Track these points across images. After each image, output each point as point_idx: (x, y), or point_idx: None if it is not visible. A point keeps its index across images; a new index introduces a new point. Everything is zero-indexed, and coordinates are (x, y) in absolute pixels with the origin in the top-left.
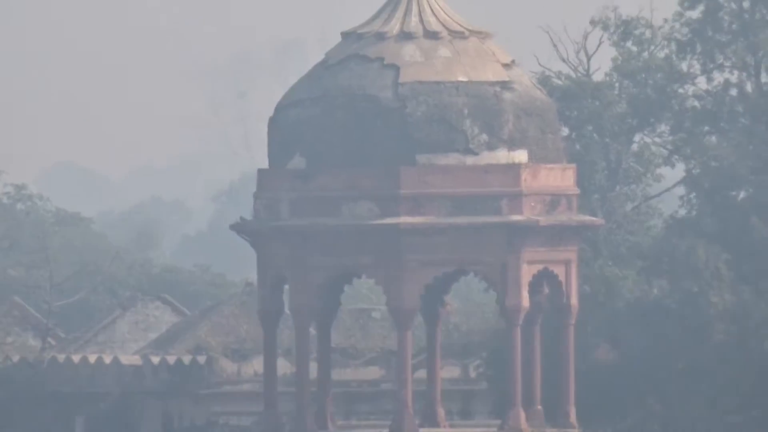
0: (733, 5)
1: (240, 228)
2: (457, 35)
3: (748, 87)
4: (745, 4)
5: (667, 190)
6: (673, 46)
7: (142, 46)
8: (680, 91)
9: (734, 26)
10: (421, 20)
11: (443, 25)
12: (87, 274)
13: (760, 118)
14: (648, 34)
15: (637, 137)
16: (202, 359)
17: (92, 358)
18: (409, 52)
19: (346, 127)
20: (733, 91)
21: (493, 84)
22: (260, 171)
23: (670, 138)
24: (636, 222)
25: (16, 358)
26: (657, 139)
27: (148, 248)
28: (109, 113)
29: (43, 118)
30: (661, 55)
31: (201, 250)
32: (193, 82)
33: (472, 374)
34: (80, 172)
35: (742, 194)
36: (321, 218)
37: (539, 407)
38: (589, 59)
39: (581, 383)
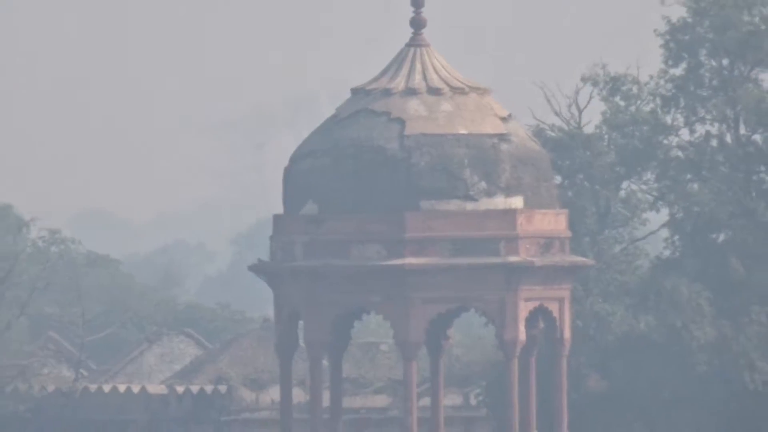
0: (713, 63)
1: (258, 269)
2: (457, 91)
3: (728, 138)
4: (725, 62)
5: (653, 233)
6: (658, 101)
7: (167, 100)
8: (665, 142)
9: (714, 82)
10: (424, 77)
11: (444, 82)
12: (116, 311)
13: (738, 166)
14: (635, 89)
15: (624, 184)
16: (222, 389)
17: (121, 388)
18: (414, 106)
19: (355, 176)
20: (714, 142)
21: (491, 136)
22: (275, 216)
23: (656, 185)
24: (624, 262)
25: (51, 388)
26: (643, 186)
27: (172, 287)
28: (136, 162)
29: (72, 165)
30: (647, 108)
31: (222, 289)
32: (215, 134)
33: (473, 402)
34: (109, 216)
35: (721, 237)
36: (332, 259)
37: None
38: (580, 113)
39: (574, 411)
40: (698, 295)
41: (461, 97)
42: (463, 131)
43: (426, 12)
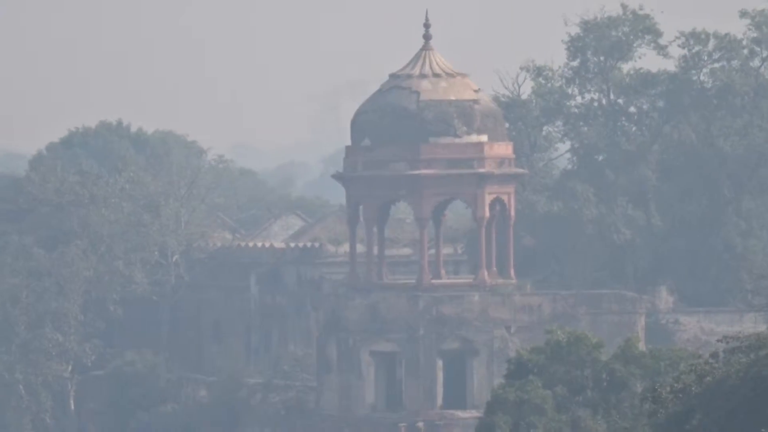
0: (595, 59)
1: (337, 176)
2: (449, 75)
3: (603, 101)
4: (602, 58)
5: (561, 155)
6: (564, 80)
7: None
8: (567, 103)
9: (595, 69)
10: (431, 67)
11: (442, 70)
12: (258, 202)
13: (609, 117)
14: (550, 73)
15: (545, 129)
16: (316, 244)
17: (259, 244)
18: (424, 84)
19: (390, 123)
20: (596, 104)
21: (469, 101)
22: (347, 147)
23: (562, 128)
24: (544, 172)
25: (219, 244)
26: (555, 129)
27: (288, 186)
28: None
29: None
30: (557, 84)
31: (317, 188)
32: (297, 107)
33: (459, 251)
34: (249, 147)
35: (600, 157)
36: (378, 171)
37: (494, 269)
38: (519, 87)
39: (516, 255)
40: (586, 190)
41: (452, 79)
42: (453, 98)
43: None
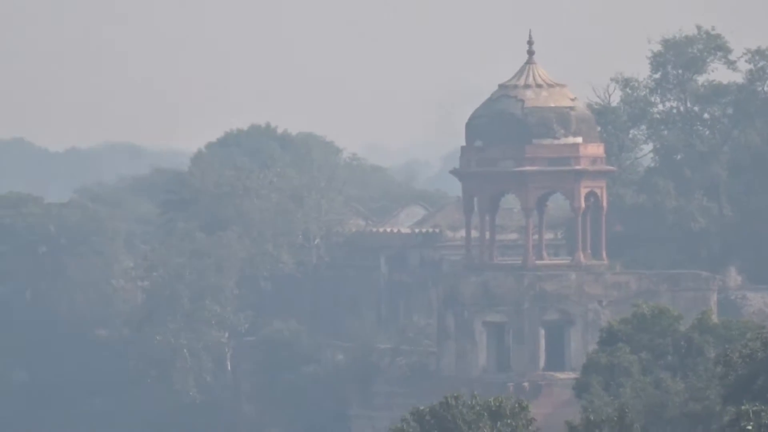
0: (675, 72)
1: (455, 172)
2: (550, 85)
3: (681, 109)
4: (680, 71)
5: (645, 155)
6: (648, 90)
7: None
8: (651, 110)
9: (675, 81)
10: (534, 78)
11: (543, 81)
12: (386, 193)
13: (686, 123)
14: (636, 84)
15: (630, 132)
16: (437, 229)
17: (388, 229)
18: (528, 93)
19: (499, 127)
20: (675, 111)
21: (566, 107)
22: (462, 147)
23: (646, 132)
24: (631, 169)
25: (353, 229)
26: (639, 132)
27: (411, 180)
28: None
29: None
30: (642, 93)
31: (436, 182)
32: (419, 109)
33: (559, 236)
34: (378, 147)
35: (679, 156)
36: (489, 167)
37: (588, 251)
38: (609, 96)
39: (608, 240)
40: (667, 185)
41: (551, 88)
42: (552, 105)
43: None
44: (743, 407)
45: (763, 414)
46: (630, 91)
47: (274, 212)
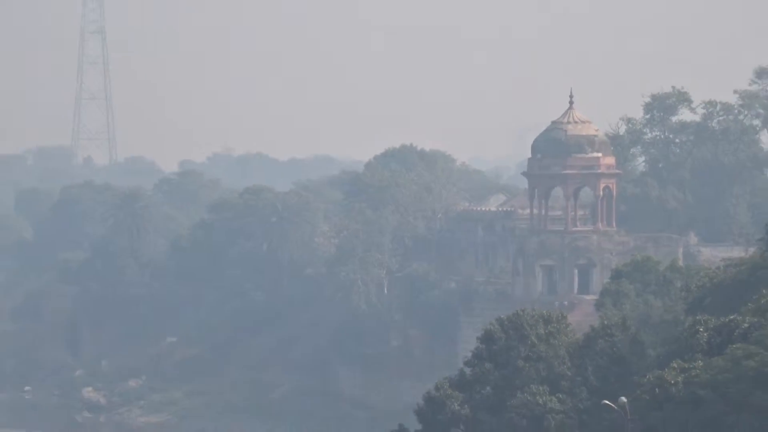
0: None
1: (525, 174)
2: (582, 122)
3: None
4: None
5: (639, 164)
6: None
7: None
8: (645, 137)
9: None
10: (572, 117)
11: (578, 119)
12: (483, 187)
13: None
14: (635, 122)
15: (631, 150)
16: (512, 209)
17: (483, 209)
18: (569, 126)
19: (551, 148)
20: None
21: (592, 136)
22: (529, 158)
23: (640, 150)
24: (631, 173)
25: (460, 208)
26: (636, 150)
27: (498, 178)
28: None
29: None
30: (638, 127)
31: (511, 179)
32: (506, 134)
33: (587, 213)
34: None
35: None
36: (545, 171)
37: (605, 222)
38: (618, 129)
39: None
40: (652, 181)
41: (583, 124)
42: (584, 134)
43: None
44: (697, 317)
45: (709, 322)
46: (631, 126)
47: (413, 198)
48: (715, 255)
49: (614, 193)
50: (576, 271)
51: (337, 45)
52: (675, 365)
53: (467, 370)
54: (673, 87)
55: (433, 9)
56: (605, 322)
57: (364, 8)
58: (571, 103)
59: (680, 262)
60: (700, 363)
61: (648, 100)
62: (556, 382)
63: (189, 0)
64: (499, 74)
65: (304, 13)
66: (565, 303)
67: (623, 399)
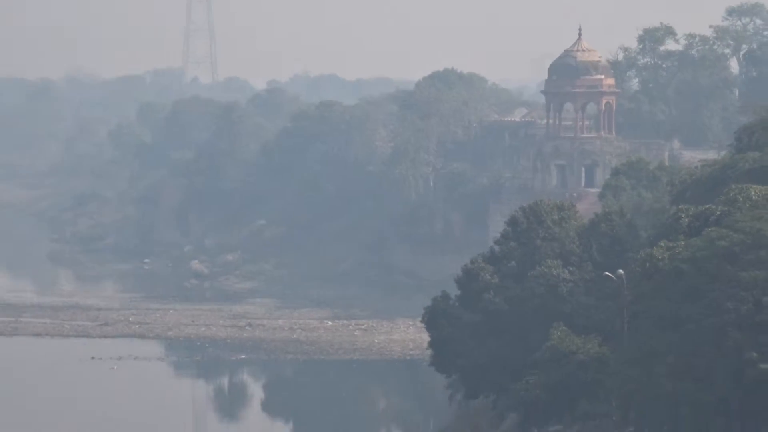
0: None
1: (543, 91)
2: (588, 50)
3: None
4: None
5: (634, 84)
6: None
7: None
8: (639, 62)
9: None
10: (580, 46)
11: (585, 48)
12: (508, 102)
13: None
14: (631, 51)
15: (626, 73)
16: (533, 119)
17: (509, 119)
18: (578, 54)
19: (564, 69)
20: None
21: (596, 62)
22: (546, 80)
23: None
24: (627, 91)
25: (492, 119)
26: (632, 74)
27: (519, 96)
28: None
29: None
30: (633, 55)
31: (537, 97)
32: (528, 60)
33: (591, 122)
34: None
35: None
36: (559, 89)
37: (606, 130)
38: (618, 56)
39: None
40: (644, 97)
41: (589, 51)
42: (589, 59)
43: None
44: (680, 206)
45: (689, 210)
46: (627, 53)
47: (454, 111)
48: (693, 157)
49: (613, 107)
50: (583, 169)
51: None
52: (662, 244)
53: (496, 248)
54: (661, 22)
55: None
56: (606, 210)
57: None
58: (579, 35)
59: (666, 163)
60: (682, 243)
61: (641, 33)
62: (567, 257)
63: None
64: (522, 10)
65: None
66: (575, 195)
67: (620, 271)
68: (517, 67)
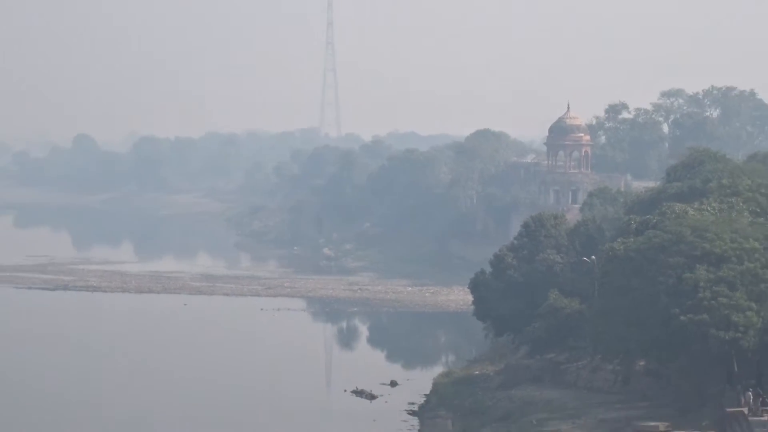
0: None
1: (546, 144)
2: (573, 117)
3: None
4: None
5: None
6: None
7: None
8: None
9: None
10: (569, 114)
11: (571, 116)
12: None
13: None
14: (599, 121)
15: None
16: (536, 160)
17: (521, 160)
18: (567, 120)
19: (557, 131)
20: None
21: (579, 125)
22: (547, 135)
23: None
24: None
25: (511, 161)
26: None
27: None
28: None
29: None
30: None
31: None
32: (536, 123)
33: (572, 161)
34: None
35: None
36: (554, 142)
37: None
38: (594, 123)
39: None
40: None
41: (574, 119)
42: (575, 123)
43: None
44: (631, 216)
45: (638, 219)
46: (598, 120)
47: (488, 155)
48: (640, 185)
49: (590, 154)
50: (570, 193)
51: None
52: (619, 240)
53: (515, 242)
54: (620, 100)
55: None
56: (584, 219)
57: None
58: (568, 107)
59: (622, 189)
60: (632, 239)
61: (606, 107)
62: (560, 248)
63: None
64: (533, 89)
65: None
66: (565, 209)
67: (593, 257)
68: (529, 127)
